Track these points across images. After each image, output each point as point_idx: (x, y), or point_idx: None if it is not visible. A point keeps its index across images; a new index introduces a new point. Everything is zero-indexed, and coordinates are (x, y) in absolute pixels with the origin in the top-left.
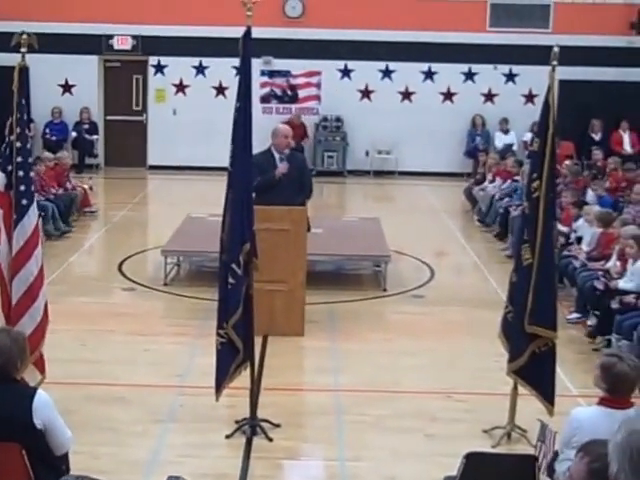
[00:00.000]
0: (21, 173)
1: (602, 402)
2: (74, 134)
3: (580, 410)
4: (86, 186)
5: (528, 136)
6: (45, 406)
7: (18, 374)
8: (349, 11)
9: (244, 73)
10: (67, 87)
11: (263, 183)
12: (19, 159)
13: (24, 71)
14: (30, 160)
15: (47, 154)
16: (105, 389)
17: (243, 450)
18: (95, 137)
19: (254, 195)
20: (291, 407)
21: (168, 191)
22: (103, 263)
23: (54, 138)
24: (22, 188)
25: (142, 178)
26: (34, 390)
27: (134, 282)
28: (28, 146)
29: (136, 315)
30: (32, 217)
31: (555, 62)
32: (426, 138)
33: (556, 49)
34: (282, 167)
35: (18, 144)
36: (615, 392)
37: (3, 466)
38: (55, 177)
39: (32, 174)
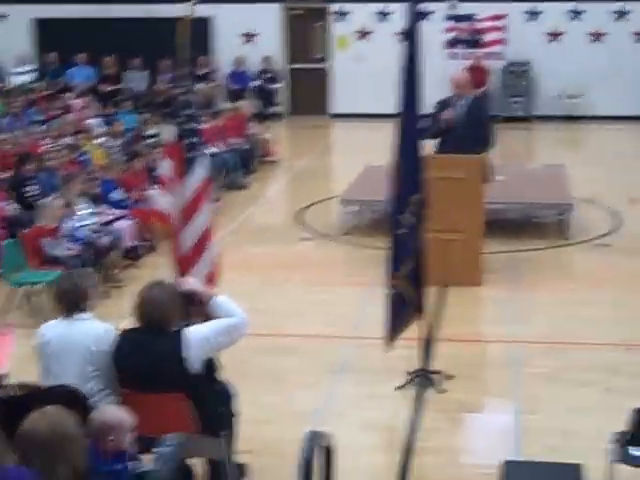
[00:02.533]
0: (189, 126)
1: None
2: (256, 83)
3: None
4: (267, 135)
5: None
6: (195, 337)
7: (173, 325)
8: None
9: (411, 20)
10: (249, 36)
11: (436, 130)
12: (187, 111)
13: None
14: (197, 113)
15: (226, 104)
16: (277, 340)
17: (414, 402)
18: (277, 86)
19: (436, 143)
20: (466, 358)
21: (350, 140)
22: (283, 213)
23: (237, 87)
24: (191, 140)
25: (325, 127)
26: (179, 333)
27: (313, 231)
28: (192, 98)
29: (313, 265)
30: (201, 169)
31: None
32: (618, 81)
33: None
34: (446, 114)
35: (185, 97)
36: None
37: (170, 416)
38: (234, 127)
39: (199, 126)
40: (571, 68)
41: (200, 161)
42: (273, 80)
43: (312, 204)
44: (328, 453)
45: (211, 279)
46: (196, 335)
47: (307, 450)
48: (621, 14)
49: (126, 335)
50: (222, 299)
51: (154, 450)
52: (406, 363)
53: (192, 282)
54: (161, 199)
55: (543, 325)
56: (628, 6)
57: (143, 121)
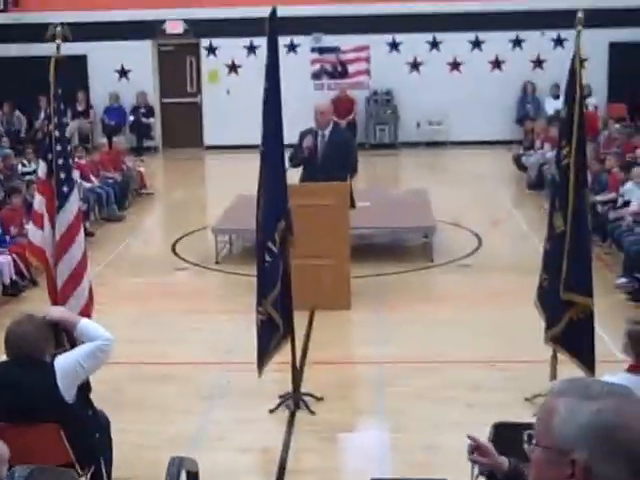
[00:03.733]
0: (61, 161)
1: (631, 369)
2: (132, 118)
3: (608, 378)
4: (142, 169)
5: None
6: (63, 365)
7: (45, 357)
8: None
9: (271, 53)
10: (123, 72)
11: (302, 159)
12: (58, 147)
13: (60, 62)
14: (69, 148)
15: (101, 140)
16: (155, 367)
17: (286, 424)
18: (152, 120)
19: (300, 173)
20: (335, 380)
21: (224, 170)
22: (158, 244)
23: (112, 123)
24: (62, 175)
25: (199, 158)
26: (52, 364)
27: (187, 262)
28: (67, 135)
29: (188, 294)
30: (73, 203)
31: (580, 27)
32: (476, 107)
33: (580, 14)
34: (306, 141)
35: (57, 133)
36: None
37: (44, 447)
38: (111, 161)
39: (71, 162)
40: (431, 96)
41: (73, 195)
42: (148, 114)
43: (187, 234)
44: (195, 478)
45: (86, 311)
46: (65, 364)
47: (171, 476)
48: (477, 44)
49: None
50: (86, 323)
51: None
52: (278, 386)
53: (58, 310)
54: (35, 234)
55: (409, 345)
56: (482, 36)
57: (21, 157)
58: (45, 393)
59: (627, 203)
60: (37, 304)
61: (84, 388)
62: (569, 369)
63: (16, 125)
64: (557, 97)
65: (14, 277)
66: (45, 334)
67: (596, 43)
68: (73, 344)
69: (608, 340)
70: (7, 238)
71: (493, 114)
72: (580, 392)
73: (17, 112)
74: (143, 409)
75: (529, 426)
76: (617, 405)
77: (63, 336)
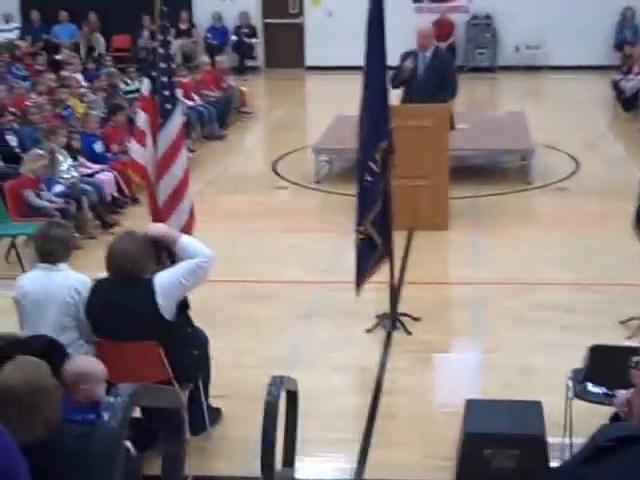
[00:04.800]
0: (164, 79)
1: None
2: (234, 38)
3: None
4: (244, 88)
5: None
6: (164, 283)
7: (145, 274)
8: None
9: None
10: None
11: (398, 80)
12: (162, 65)
13: None
14: (172, 66)
15: (203, 58)
16: (251, 286)
17: (383, 344)
18: (254, 40)
19: (401, 93)
20: (432, 300)
21: (325, 91)
22: (258, 163)
23: (215, 42)
24: (166, 93)
25: (300, 79)
26: (151, 281)
27: (287, 180)
28: (171, 52)
29: (287, 213)
30: (176, 121)
31: None
32: (575, 32)
33: None
34: (407, 63)
35: (161, 50)
36: None
37: (144, 364)
38: (213, 80)
39: (174, 80)
40: (530, 20)
41: (176, 113)
42: (250, 35)
43: (287, 154)
44: (294, 397)
45: (187, 228)
46: (166, 281)
47: (272, 394)
48: None
49: (99, 286)
50: (187, 240)
51: (103, 400)
52: (375, 306)
53: (159, 227)
54: (137, 151)
55: (506, 267)
56: None
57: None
58: (145, 311)
59: None
60: (138, 221)
61: (183, 306)
62: None
63: (95, 47)
64: None
65: (115, 194)
66: (146, 251)
67: None
68: (174, 261)
69: None
70: (109, 155)
71: (592, 39)
72: None
73: (97, 34)
74: (240, 327)
75: (627, 350)
76: None
77: (164, 253)
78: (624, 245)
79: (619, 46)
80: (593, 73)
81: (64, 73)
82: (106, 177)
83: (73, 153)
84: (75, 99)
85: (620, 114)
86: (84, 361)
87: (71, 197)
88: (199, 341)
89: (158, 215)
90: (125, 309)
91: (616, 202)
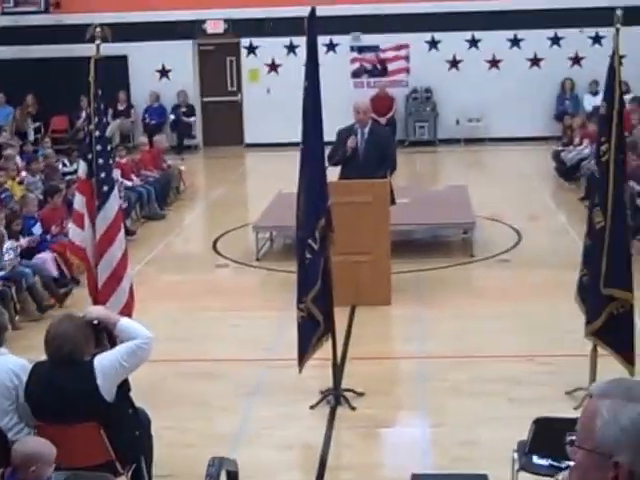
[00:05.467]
0: (101, 161)
1: None
2: (172, 117)
3: None
4: (182, 167)
5: None
6: (103, 365)
7: (85, 356)
8: None
9: (310, 52)
10: (164, 72)
11: (341, 157)
12: (98, 147)
13: (100, 63)
14: (109, 148)
15: (142, 139)
16: (195, 365)
17: (327, 420)
18: (192, 119)
19: (339, 170)
20: (376, 376)
21: (264, 168)
22: (199, 241)
23: (153, 122)
24: (102, 175)
25: (239, 157)
26: (91, 363)
27: (228, 259)
28: (107, 134)
29: (229, 291)
30: (113, 203)
31: (619, 25)
32: (515, 104)
33: (619, 12)
34: (351, 141)
35: (97, 133)
36: None
37: (86, 445)
38: (151, 160)
39: (111, 161)
40: (470, 94)
41: (113, 195)
42: (188, 113)
43: (227, 232)
44: (234, 478)
45: (127, 309)
46: (106, 362)
47: (212, 476)
48: (515, 42)
49: (38, 369)
50: (126, 322)
51: None
52: (319, 383)
53: (98, 309)
54: (76, 233)
55: (450, 340)
56: (521, 34)
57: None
58: (85, 393)
59: None
60: (80, 303)
61: (124, 386)
62: (609, 363)
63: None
64: (595, 94)
65: (56, 273)
66: (85, 333)
67: (633, 40)
68: (113, 343)
69: None
70: (48, 237)
71: (532, 111)
72: (622, 394)
73: (29, 119)
74: (183, 406)
75: (570, 421)
76: None
77: (103, 335)
78: (568, 316)
79: (559, 117)
80: (534, 144)
81: (5, 153)
82: (47, 256)
83: (13, 235)
84: (13, 182)
85: (562, 185)
86: (36, 442)
87: (11, 280)
88: (141, 421)
89: (98, 297)
90: (65, 391)
91: (559, 273)
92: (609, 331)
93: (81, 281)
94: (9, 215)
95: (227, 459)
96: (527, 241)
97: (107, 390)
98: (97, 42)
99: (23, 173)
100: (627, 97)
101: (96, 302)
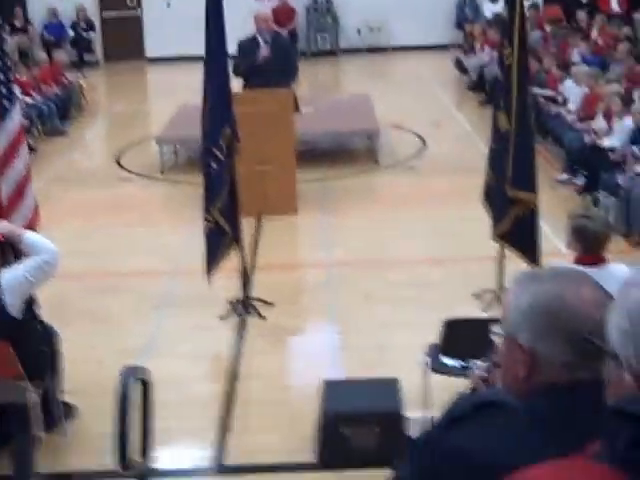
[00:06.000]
0: (1, 76)
1: (578, 261)
2: (72, 33)
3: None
4: (82, 83)
5: None
6: (8, 280)
7: None
8: None
9: None
10: None
11: (246, 67)
12: None
13: None
14: (9, 63)
15: (41, 55)
16: (102, 280)
17: (237, 330)
18: (92, 34)
19: (242, 81)
20: (284, 285)
21: (167, 82)
22: (102, 157)
23: (52, 38)
24: (3, 91)
25: (141, 71)
26: None
27: (132, 173)
28: (5, 48)
29: (134, 205)
30: (15, 118)
31: None
32: (416, 12)
33: None
34: (263, 50)
35: None
36: (589, 250)
37: None
38: (51, 76)
39: (11, 76)
40: (370, 2)
41: (14, 110)
42: (87, 29)
43: (130, 146)
44: (147, 387)
45: (32, 224)
46: (11, 277)
47: (123, 385)
48: None
49: None
50: (31, 237)
51: None
52: (227, 293)
53: (2, 224)
54: None
55: (357, 247)
56: None
57: None
58: None
59: (566, 101)
60: None
61: (31, 302)
62: (516, 265)
63: None
64: (494, 1)
65: None
66: None
67: None
68: (18, 258)
69: (552, 235)
70: None
71: (432, 18)
72: (529, 277)
73: None
74: (91, 322)
75: (480, 322)
76: (559, 285)
77: (9, 250)
78: (475, 220)
79: (460, 24)
80: (436, 52)
81: None
82: None
83: None
84: None
85: (464, 91)
86: None
87: None
88: (48, 337)
89: (2, 212)
90: None
91: (464, 178)
92: (515, 233)
93: None
94: None
95: (140, 367)
96: (432, 147)
97: (14, 306)
98: None
99: None
100: (526, 3)
101: (0, 215)
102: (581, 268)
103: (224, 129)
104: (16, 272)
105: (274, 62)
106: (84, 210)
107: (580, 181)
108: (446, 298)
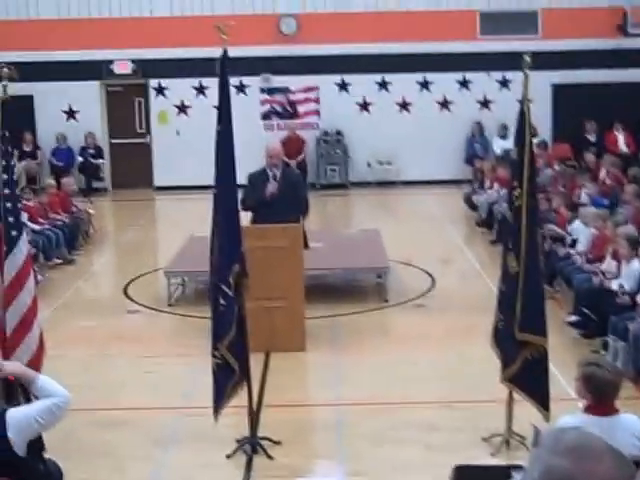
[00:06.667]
0: (9, 205)
1: (588, 410)
2: (80, 159)
3: (567, 419)
4: (91, 210)
5: None
6: (16, 418)
7: None
8: (341, 26)
9: (223, 95)
10: (71, 113)
11: (255, 202)
12: (6, 191)
13: (6, 103)
14: (17, 192)
15: (49, 181)
16: (108, 414)
17: (244, 469)
18: (101, 161)
19: (251, 214)
20: (292, 424)
21: (174, 211)
22: (109, 287)
23: (61, 164)
24: (11, 219)
25: (149, 199)
26: (3, 413)
27: (139, 304)
28: (14, 177)
29: (141, 337)
30: (22, 248)
31: (527, 70)
32: (426, 147)
33: (527, 57)
34: (271, 187)
35: (4, 176)
36: (600, 400)
37: None
38: (59, 203)
39: (20, 205)
40: (381, 136)
41: (21, 240)
42: (96, 155)
43: (138, 276)
44: None
45: (37, 357)
46: (21, 417)
47: None
48: (425, 84)
49: None
50: (44, 380)
51: None
52: (235, 431)
53: (15, 365)
54: None
55: (366, 387)
56: (430, 77)
57: None
58: None
59: (574, 241)
60: None
61: (37, 443)
62: (525, 409)
63: None
64: (504, 137)
65: None
66: None
67: (539, 84)
68: (28, 399)
69: (562, 378)
70: None
71: (442, 154)
72: (550, 442)
73: None
74: (96, 457)
75: (490, 468)
76: (573, 464)
77: (17, 391)
78: (483, 361)
79: (470, 160)
80: (445, 188)
81: None
82: None
83: None
84: None
85: (474, 228)
86: None
87: None
88: (51, 475)
89: (7, 343)
90: None
91: (473, 317)
92: (524, 376)
93: None
94: None
95: None
96: (441, 285)
97: (20, 444)
98: (3, 82)
99: None
100: (535, 141)
101: (5, 348)
102: (591, 418)
103: (233, 266)
104: (28, 412)
105: (283, 197)
106: (90, 340)
107: (589, 324)
108: (455, 441)
